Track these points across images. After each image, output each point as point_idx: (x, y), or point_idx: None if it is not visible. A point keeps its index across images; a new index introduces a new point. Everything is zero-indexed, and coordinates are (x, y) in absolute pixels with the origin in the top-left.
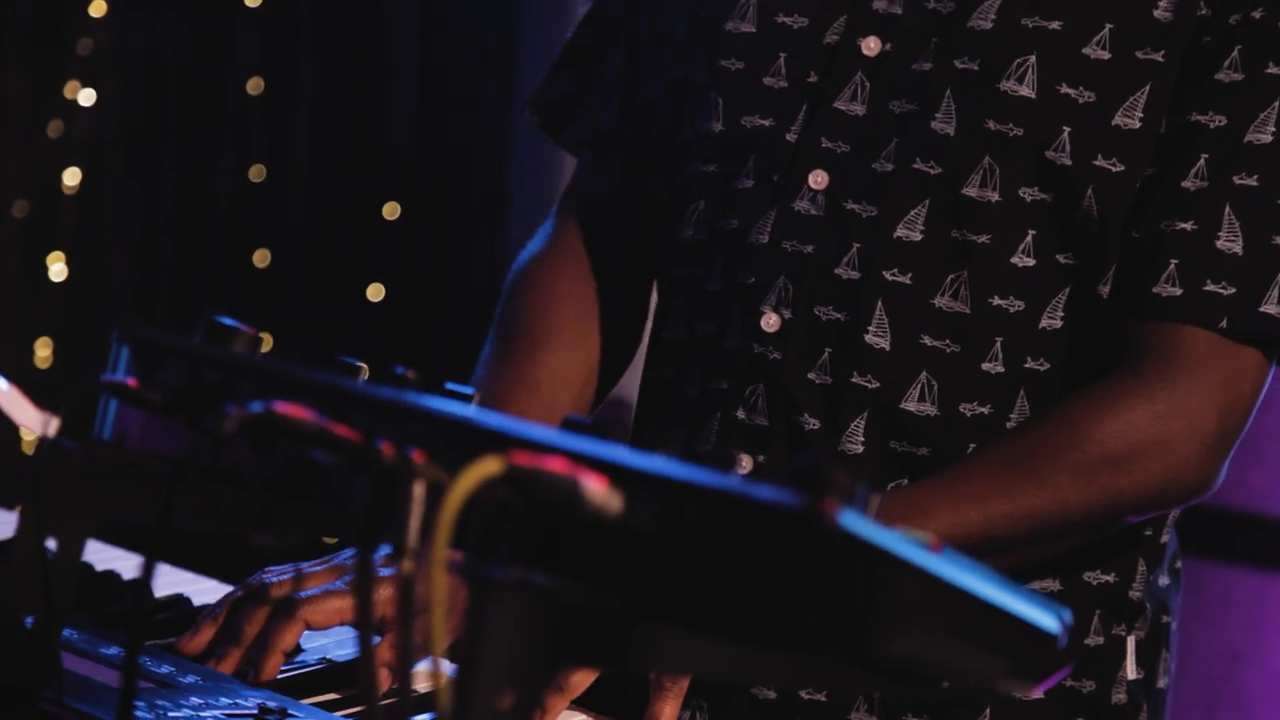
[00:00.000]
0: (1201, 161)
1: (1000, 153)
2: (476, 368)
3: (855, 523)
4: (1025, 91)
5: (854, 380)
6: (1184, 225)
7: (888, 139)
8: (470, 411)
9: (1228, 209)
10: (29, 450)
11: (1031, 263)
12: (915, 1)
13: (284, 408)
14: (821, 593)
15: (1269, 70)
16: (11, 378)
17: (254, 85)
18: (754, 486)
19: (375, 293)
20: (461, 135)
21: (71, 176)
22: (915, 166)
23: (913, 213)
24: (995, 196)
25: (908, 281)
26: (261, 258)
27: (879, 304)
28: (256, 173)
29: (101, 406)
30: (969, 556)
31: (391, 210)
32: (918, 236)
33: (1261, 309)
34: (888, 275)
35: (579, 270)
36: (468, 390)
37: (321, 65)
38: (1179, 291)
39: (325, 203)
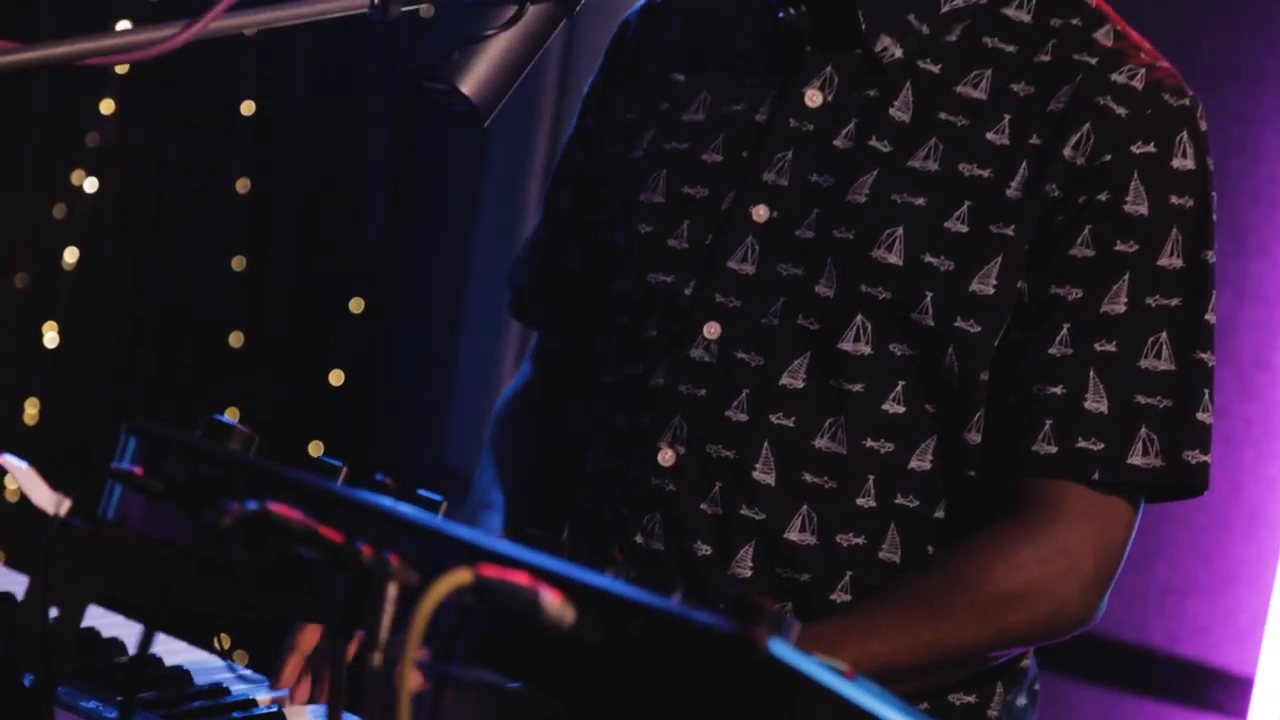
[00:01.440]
0: (1064, 330)
1: (872, 313)
2: (472, 490)
3: (781, 649)
4: (894, 259)
5: (742, 512)
6: (1054, 389)
7: (775, 297)
8: (441, 521)
9: (1092, 373)
10: (12, 499)
11: (901, 410)
12: (799, 174)
13: (277, 508)
14: (748, 710)
15: (1117, 247)
16: (1, 432)
17: (242, 185)
18: (693, 610)
19: (336, 378)
20: (424, 243)
21: (71, 255)
22: (798, 323)
23: (795, 363)
24: (868, 350)
25: (791, 424)
26: (236, 338)
27: (765, 444)
28: (238, 262)
29: (108, 489)
30: (875, 684)
31: (357, 305)
32: (800, 384)
33: (1128, 461)
34: (773, 418)
35: (539, 408)
36: (437, 498)
37: (303, 172)
38: (1055, 450)
39: (297, 293)
